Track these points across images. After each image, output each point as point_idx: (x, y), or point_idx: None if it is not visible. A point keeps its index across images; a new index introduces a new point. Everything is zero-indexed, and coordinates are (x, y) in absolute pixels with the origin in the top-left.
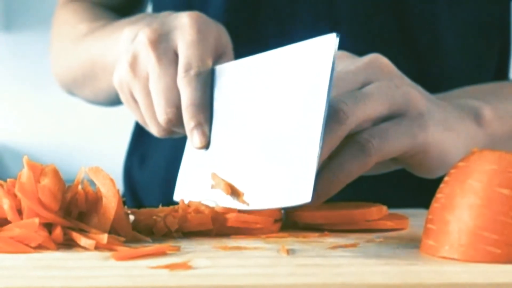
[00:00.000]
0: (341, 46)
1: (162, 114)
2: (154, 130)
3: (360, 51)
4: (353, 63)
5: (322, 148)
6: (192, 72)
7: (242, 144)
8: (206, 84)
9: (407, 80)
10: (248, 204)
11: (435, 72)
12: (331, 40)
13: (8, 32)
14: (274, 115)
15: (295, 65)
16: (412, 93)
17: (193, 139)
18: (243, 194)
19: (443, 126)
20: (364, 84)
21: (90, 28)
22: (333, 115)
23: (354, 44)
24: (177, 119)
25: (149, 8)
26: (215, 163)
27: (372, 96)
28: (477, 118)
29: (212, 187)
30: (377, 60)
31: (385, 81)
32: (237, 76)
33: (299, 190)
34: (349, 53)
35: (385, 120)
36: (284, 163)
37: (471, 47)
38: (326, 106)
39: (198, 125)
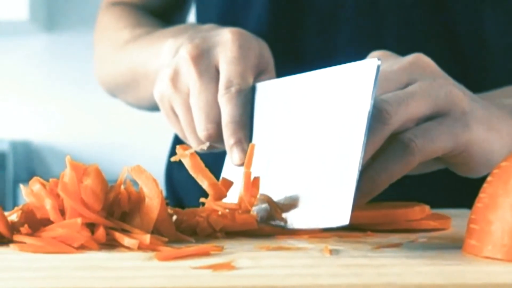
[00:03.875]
0: (384, 47)
1: (202, 129)
2: (194, 144)
3: (403, 52)
4: (396, 63)
5: (365, 150)
6: (233, 89)
7: (282, 161)
8: (247, 101)
9: (450, 80)
10: (286, 222)
11: (478, 72)
12: (373, 65)
13: (51, 32)
14: (314, 134)
15: (336, 87)
16: (455, 92)
17: (233, 156)
18: (281, 211)
19: (486, 125)
20: (407, 84)
21: (133, 35)
22: (376, 115)
23: (397, 44)
24: (217, 135)
25: (192, 14)
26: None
27: (415, 96)
28: None
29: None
30: (420, 59)
31: (428, 80)
32: (278, 94)
33: (338, 211)
34: (391, 52)
35: (428, 119)
36: (323, 182)
37: None
38: (366, 130)
39: (238, 142)
